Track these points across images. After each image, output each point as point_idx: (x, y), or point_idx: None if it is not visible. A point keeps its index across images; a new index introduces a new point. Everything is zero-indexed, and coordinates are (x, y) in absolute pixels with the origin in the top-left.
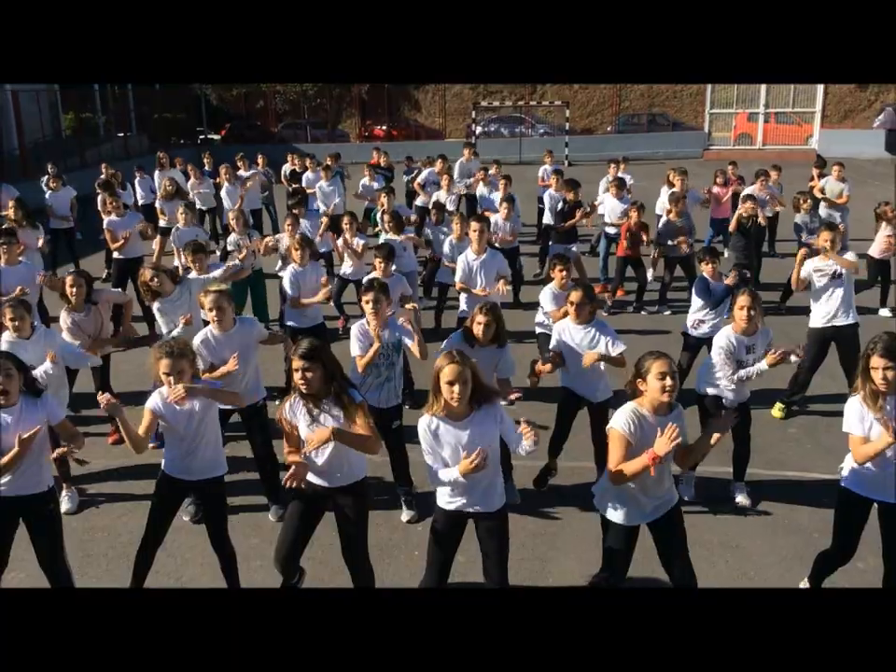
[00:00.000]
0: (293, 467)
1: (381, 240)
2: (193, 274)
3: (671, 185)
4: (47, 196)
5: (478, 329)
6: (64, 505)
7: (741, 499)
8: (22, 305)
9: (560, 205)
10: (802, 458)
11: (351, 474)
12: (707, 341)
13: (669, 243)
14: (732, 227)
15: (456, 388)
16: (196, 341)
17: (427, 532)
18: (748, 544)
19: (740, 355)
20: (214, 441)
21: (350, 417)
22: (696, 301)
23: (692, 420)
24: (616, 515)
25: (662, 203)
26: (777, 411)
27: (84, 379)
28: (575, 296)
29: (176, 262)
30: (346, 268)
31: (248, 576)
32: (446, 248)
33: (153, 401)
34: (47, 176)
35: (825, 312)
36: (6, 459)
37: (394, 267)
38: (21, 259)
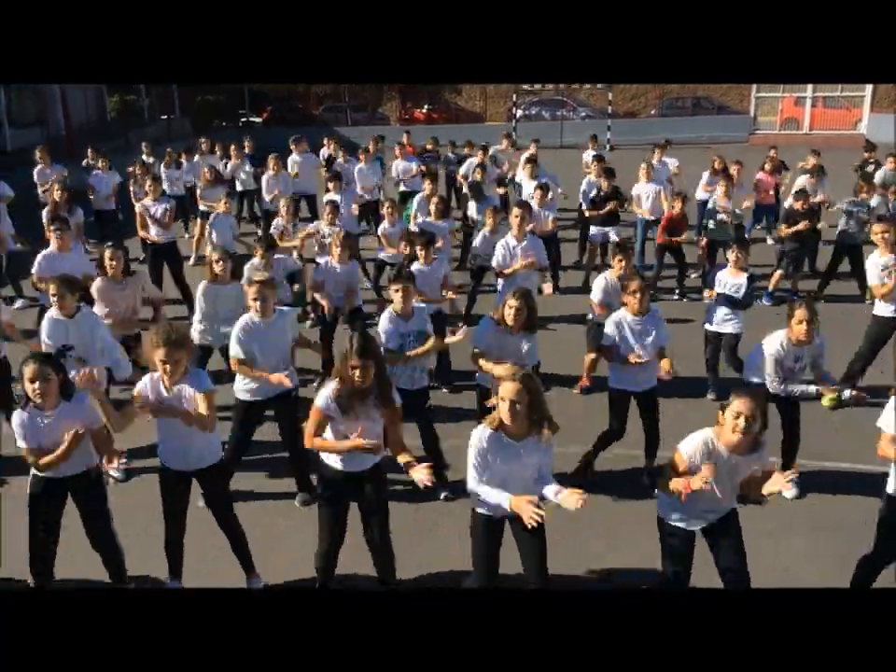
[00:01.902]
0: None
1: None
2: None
3: (715, 172)
4: (90, 178)
5: (509, 314)
6: (114, 475)
7: (791, 492)
8: (65, 284)
9: (594, 192)
10: (846, 450)
11: (370, 459)
12: (720, 334)
13: (712, 224)
14: (785, 233)
15: (507, 407)
16: (237, 326)
17: (462, 512)
18: (789, 538)
19: (788, 362)
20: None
21: (387, 418)
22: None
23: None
24: (671, 518)
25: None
26: (827, 400)
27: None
28: (636, 284)
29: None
30: (384, 252)
31: (279, 560)
32: (478, 241)
33: (142, 385)
34: (91, 158)
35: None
36: (48, 459)
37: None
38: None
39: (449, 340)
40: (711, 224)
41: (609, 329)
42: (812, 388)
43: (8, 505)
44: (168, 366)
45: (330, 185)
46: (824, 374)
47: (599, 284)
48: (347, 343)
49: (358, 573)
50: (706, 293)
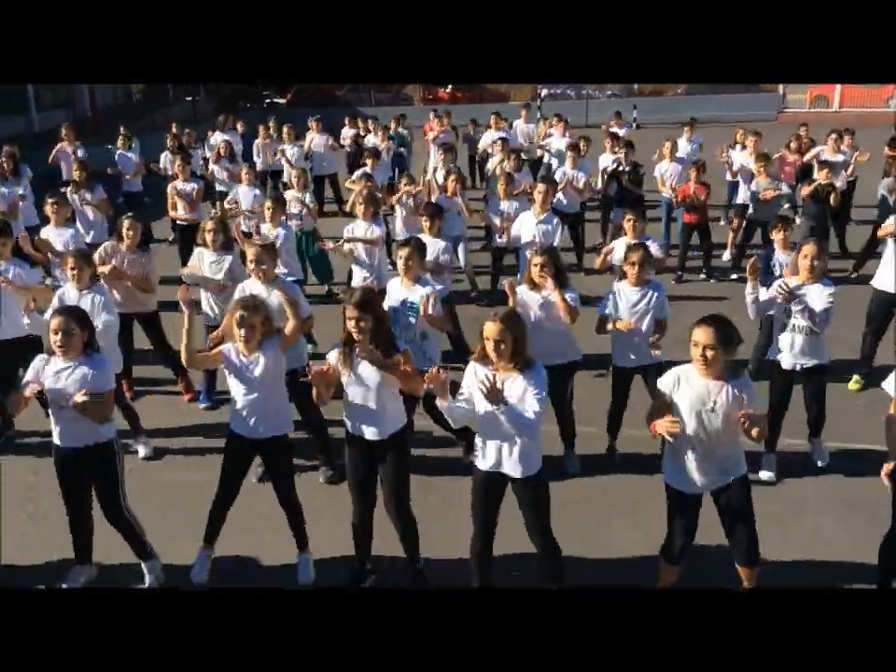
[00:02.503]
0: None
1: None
2: (266, 226)
3: (743, 146)
4: (116, 157)
5: (535, 272)
6: (141, 451)
7: (819, 459)
8: (83, 257)
9: (613, 166)
10: (870, 431)
11: (390, 426)
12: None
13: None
14: (805, 194)
15: (491, 347)
16: (237, 291)
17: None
18: (816, 517)
19: (797, 303)
20: (278, 397)
21: (394, 365)
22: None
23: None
24: (676, 483)
25: (737, 165)
26: (853, 384)
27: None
28: (636, 255)
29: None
30: (399, 229)
31: (318, 535)
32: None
33: (226, 347)
34: (119, 139)
35: None
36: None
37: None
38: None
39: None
40: (750, 206)
41: (606, 298)
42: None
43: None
44: (244, 330)
45: (369, 161)
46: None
47: (620, 247)
48: (348, 296)
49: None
50: (733, 275)
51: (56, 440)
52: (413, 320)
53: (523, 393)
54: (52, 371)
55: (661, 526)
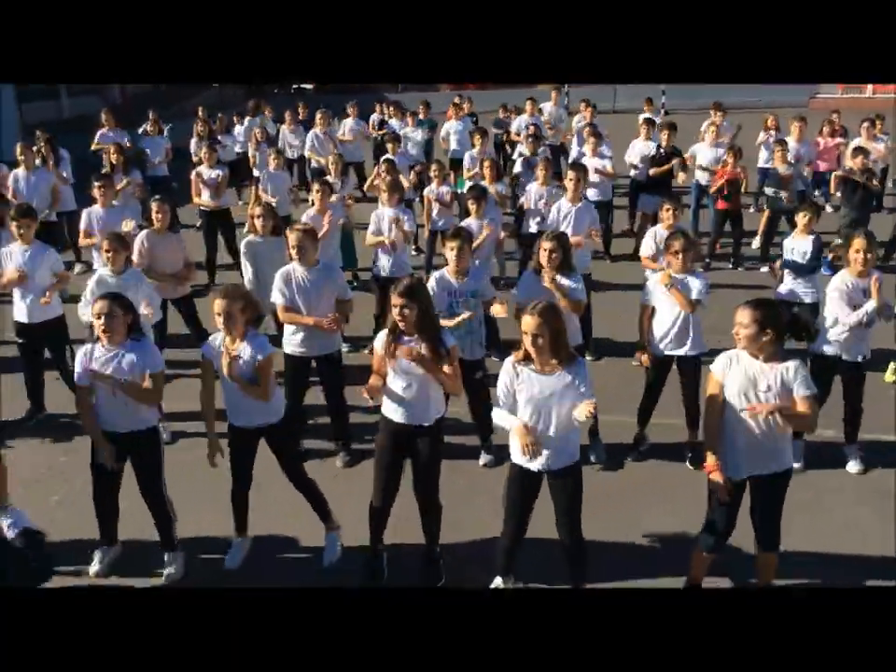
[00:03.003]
0: (371, 382)
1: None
2: (311, 210)
3: (768, 130)
4: (145, 142)
5: (544, 257)
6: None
7: (853, 466)
8: (118, 240)
9: (653, 152)
10: None
11: (429, 414)
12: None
13: (772, 192)
14: (835, 181)
15: (529, 341)
16: (278, 275)
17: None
18: (851, 510)
19: (857, 298)
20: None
21: (438, 370)
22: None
23: None
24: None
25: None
26: (890, 374)
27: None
28: (679, 243)
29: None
30: (436, 218)
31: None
32: (530, 196)
33: (206, 347)
34: (146, 123)
35: None
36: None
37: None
38: (115, 203)
39: (494, 311)
40: (770, 192)
41: (649, 287)
42: (871, 303)
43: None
44: (221, 318)
45: (389, 146)
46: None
47: (650, 236)
48: (394, 284)
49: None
50: (763, 268)
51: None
52: (472, 311)
53: (565, 389)
54: (99, 360)
55: (691, 516)
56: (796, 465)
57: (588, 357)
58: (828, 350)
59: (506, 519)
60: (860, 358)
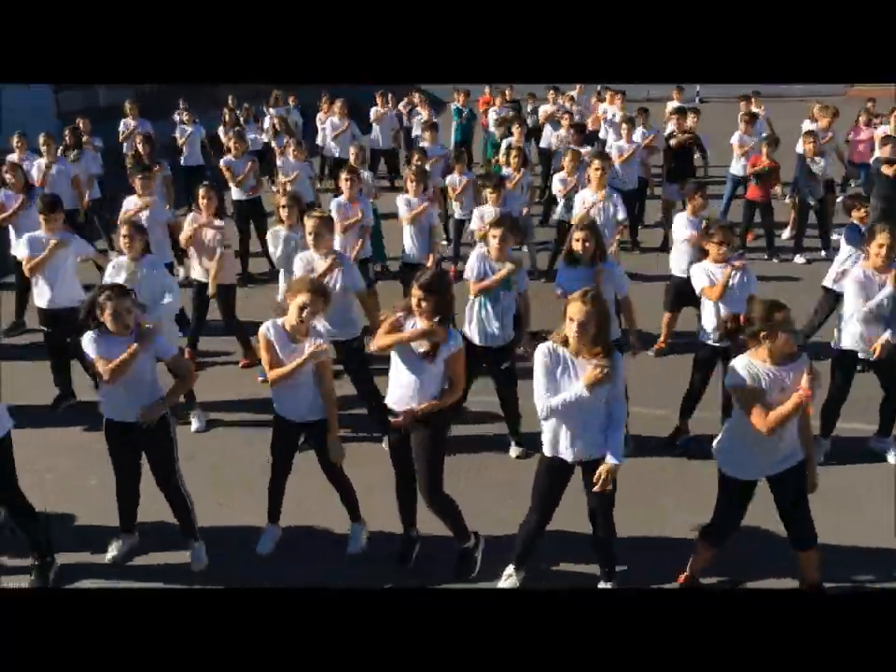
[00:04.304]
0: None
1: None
2: (342, 198)
3: (814, 121)
4: (178, 133)
5: (577, 246)
6: (194, 424)
7: (893, 458)
8: (135, 226)
9: (667, 135)
10: None
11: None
12: (839, 294)
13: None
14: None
15: (575, 327)
16: (295, 261)
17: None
18: (870, 503)
19: (872, 291)
20: (313, 385)
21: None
22: (844, 251)
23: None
24: (734, 471)
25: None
26: None
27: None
28: (720, 235)
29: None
30: (457, 209)
31: (370, 508)
32: (557, 184)
33: (268, 330)
34: (179, 113)
35: None
36: (112, 364)
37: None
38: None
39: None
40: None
41: (697, 275)
42: (888, 289)
43: None
44: (305, 313)
45: (426, 135)
46: None
47: (680, 222)
48: (418, 274)
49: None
50: (799, 259)
51: (107, 413)
52: (502, 299)
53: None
54: (109, 348)
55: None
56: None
57: None
58: (846, 344)
59: (532, 507)
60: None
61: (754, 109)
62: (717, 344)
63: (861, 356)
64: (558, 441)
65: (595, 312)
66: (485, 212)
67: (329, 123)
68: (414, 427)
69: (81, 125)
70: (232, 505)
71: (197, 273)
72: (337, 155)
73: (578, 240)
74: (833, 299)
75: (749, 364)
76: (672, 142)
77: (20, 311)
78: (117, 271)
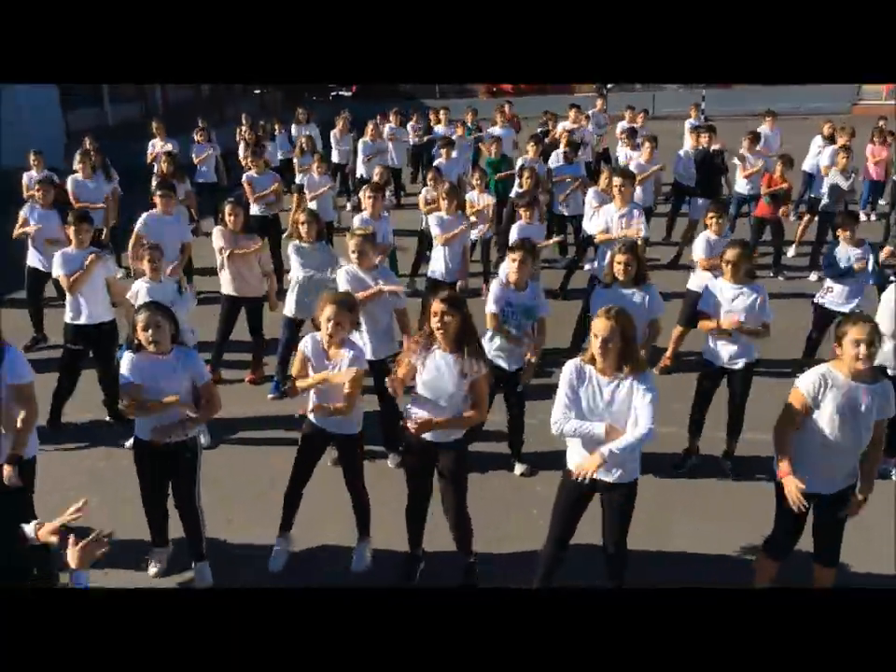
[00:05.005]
0: (420, 422)
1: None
2: (365, 214)
3: (827, 140)
4: (194, 149)
5: (618, 269)
6: (203, 441)
7: None
8: (157, 250)
9: (702, 156)
10: None
11: (451, 431)
12: (835, 314)
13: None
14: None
15: (598, 344)
16: (341, 273)
17: (544, 490)
18: (877, 522)
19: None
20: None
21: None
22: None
23: None
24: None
25: (814, 160)
26: None
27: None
28: (731, 254)
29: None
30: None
31: (381, 522)
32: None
33: (305, 344)
34: (197, 132)
35: None
36: (159, 403)
37: None
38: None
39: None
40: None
41: (706, 294)
42: None
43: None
44: (330, 325)
45: (443, 151)
46: None
47: (700, 242)
48: (437, 292)
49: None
50: (812, 276)
51: (139, 433)
52: (523, 326)
53: (629, 399)
54: (147, 369)
55: (729, 527)
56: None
57: None
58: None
59: (552, 525)
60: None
61: (765, 128)
62: (723, 365)
63: (890, 372)
64: (579, 434)
65: (618, 327)
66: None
67: (362, 144)
68: (442, 448)
69: (87, 143)
70: (239, 521)
71: (228, 288)
72: (363, 174)
73: (619, 263)
74: (822, 315)
75: (825, 371)
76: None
77: (38, 325)
78: (139, 295)
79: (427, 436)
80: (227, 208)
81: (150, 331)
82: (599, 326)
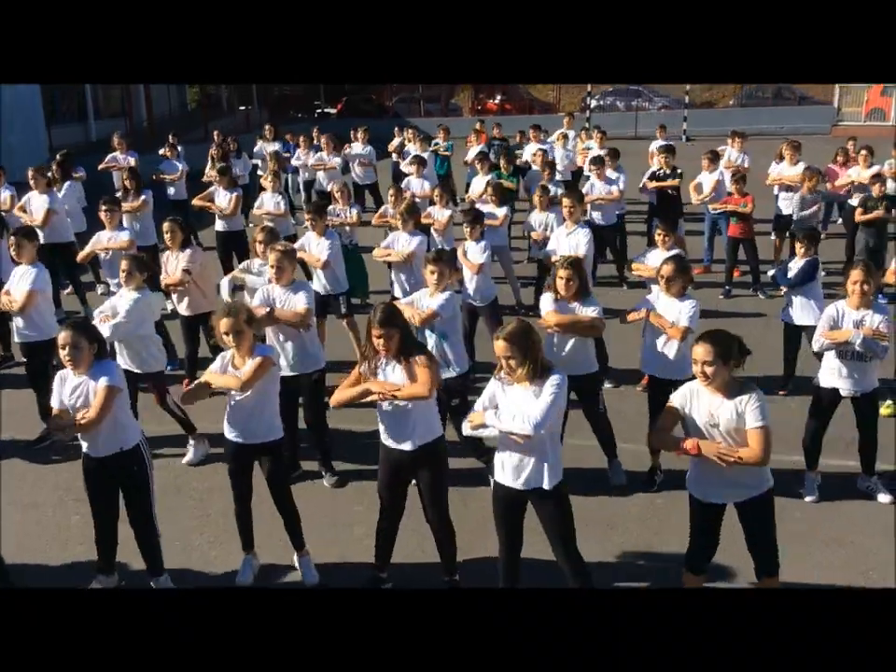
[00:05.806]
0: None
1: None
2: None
3: (782, 159)
4: (161, 165)
5: (560, 284)
6: (187, 455)
7: (883, 497)
8: (135, 260)
9: (654, 171)
10: None
11: (423, 436)
12: (798, 328)
13: (802, 214)
14: (861, 215)
15: (503, 362)
16: (257, 293)
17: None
18: (863, 540)
19: (847, 326)
20: (270, 407)
21: (413, 371)
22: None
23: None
24: (694, 491)
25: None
26: (885, 409)
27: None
28: (666, 269)
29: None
30: (440, 244)
31: (352, 544)
32: (530, 220)
33: (215, 365)
34: (166, 147)
35: None
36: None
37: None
38: (124, 225)
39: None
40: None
41: (644, 301)
42: (858, 336)
43: None
44: (230, 337)
45: (412, 168)
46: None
47: (648, 257)
48: (371, 314)
49: (419, 562)
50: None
51: (83, 448)
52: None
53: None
54: (68, 390)
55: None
56: (809, 498)
57: (608, 385)
58: (826, 383)
59: (497, 534)
60: (853, 393)
61: (731, 149)
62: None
63: (843, 393)
64: (504, 469)
65: (513, 346)
66: (468, 246)
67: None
68: (420, 463)
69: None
70: (219, 538)
71: (183, 309)
72: (324, 187)
73: (561, 278)
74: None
75: (692, 386)
76: (649, 185)
77: (5, 344)
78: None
79: (398, 446)
80: (164, 227)
81: (68, 350)
82: (496, 347)
